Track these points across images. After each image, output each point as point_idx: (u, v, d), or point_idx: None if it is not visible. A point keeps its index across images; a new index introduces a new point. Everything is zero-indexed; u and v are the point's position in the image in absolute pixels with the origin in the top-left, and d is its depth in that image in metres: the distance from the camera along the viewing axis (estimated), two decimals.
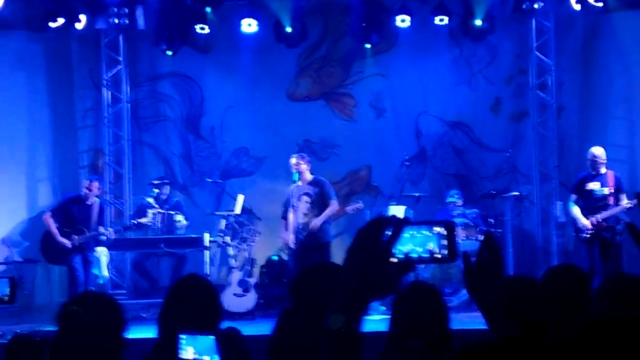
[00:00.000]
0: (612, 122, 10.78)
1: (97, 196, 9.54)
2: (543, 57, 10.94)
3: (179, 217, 10.11)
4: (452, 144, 11.36)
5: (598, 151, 9.18)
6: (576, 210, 9.19)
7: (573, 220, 9.33)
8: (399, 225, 1.56)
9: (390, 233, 1.55)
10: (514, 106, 11.30)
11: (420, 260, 1.64)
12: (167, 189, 10.39)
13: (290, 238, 9.10)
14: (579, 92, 11.09)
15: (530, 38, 10.98)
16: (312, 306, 2.93)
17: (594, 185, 9.09)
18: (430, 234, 1.65)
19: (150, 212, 10.06)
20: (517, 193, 10.14)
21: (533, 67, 11.00)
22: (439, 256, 1.64)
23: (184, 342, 2.68)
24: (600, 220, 8.96)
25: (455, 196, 10.23)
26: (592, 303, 2.86)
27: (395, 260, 1.58)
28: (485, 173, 11.25)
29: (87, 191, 9.33)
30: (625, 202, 8.94)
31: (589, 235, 9.06)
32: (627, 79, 10.66)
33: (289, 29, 10.78)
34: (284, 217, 9.42)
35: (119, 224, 10.31)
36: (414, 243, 1.63)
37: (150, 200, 10.22)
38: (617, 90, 10.74)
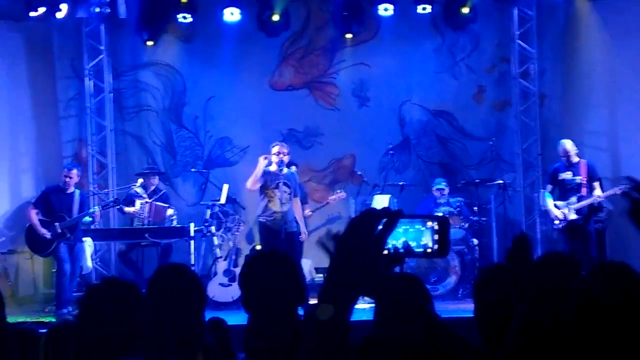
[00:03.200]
0: (593, 109, 10.85)
1: (77, 187, 9.45)
2: (525, 46, 10.99)
3: (170, 211, 10.04)
4: (436, 133, 11.40)
5: (568, 144, 9.41)
6: (549, 202, 9.39)
7: (546, 212, 9.46)
8: (392, 217, 1.52)
9: (382, 226, 1.51)
10: (497, 95, 11.35)
11: (413, 254, 1.64)
12: (155, 179, 10.31)
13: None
14: (561, 80, 11.16)
15: (513, 26, 11.03)
16: (264, 293, 2.96)
17: (566, 175, 9.31)
18: (424, 228, 1.64)
19: (138, 201, 10.00)
20: (500, 181, 10.19)
21: (515, 56, 11.05)
22: (430, 250, 1.65)
23: None
24: (574, 211, 9.11)
25: (443, 184, 10.22)
26: (577, 290, 2.88)
27: (386, 252, 1.56)
28: (469, 161, 11.30)
29: (68, 179, 9.23)
30: (598, 191, 9.11)
31: (561, 226, 9.23)
32: (608, 67, 10.71)
33: (275, 17, 10.73)
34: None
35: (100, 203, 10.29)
36: (407, 237, 1.63)
37: (139, 190, 10.13)
38: (598, 78, 10.80)
